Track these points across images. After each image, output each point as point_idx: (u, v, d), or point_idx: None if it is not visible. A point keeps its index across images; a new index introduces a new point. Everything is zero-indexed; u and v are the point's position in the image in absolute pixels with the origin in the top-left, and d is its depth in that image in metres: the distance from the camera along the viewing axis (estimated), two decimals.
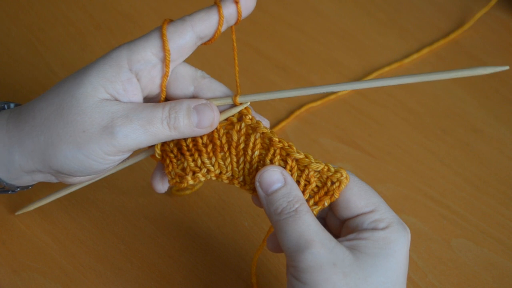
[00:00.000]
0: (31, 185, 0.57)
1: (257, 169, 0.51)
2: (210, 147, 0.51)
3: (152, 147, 0.53)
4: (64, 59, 0.81)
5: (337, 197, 0.49)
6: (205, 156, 0.51)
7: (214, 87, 0.52)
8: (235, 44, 0.52)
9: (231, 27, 0.51)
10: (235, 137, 0.51)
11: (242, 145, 0.51)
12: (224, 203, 0.68)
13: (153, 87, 0.51)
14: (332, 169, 0.49)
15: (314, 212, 0.49)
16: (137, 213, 0.67)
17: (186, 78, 0.51)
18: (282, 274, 0.63)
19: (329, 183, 0.49)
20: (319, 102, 0.77)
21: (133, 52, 0.49)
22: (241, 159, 0.51)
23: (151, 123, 0.48)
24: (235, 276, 0.63)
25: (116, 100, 0.49)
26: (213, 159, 0.51)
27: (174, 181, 0.52)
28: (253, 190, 0.51)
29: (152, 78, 0.50)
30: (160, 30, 0.49)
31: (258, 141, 0.51)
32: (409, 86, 0.79)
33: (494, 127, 0.75)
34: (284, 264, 0.63)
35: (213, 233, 0.66)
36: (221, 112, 0.51)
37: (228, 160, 0.51)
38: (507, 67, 0.44)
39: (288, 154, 0.50)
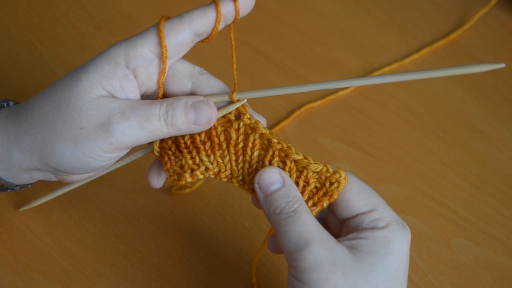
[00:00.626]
0: (30, 184, 0.57)
1: (256, 170, 0.51)
2: (208, 144, 0.51)
3: (151, 144, 0.53)
4: (64, 59, 0.81)
5: (335, 198, 0.49)
6: (203, 153, 0.51)
7: (212, 84, 0.52)
8: (233, 42, 0.52)
9: (230, 25, 0.51)
10: (233, 136, 0.51)
11: (241, 144, 0.51)
12: (224, 203, 0.68)
13: (151, 84, 0.51)
14: (331, 170, 0.49)
15: (313, 213, 0.49)
16: (137, 213, 0.67)
17: (184, 75, 0.51)
18: (282, 274, 0.63)
19: (327, 184, 0.49)
20: (319, 102, 0.77)
21: (130, 49, 0.48)
22: (240, 158, 0.51)
23: (148, 120, 0.48)
24: (235, 276, 0.63)
25: (113, 97, 0.49)
26: (212, 157, 0.51)
27: (172, 178, 0.52)
28: (252, 190, 0.51)
29: (149, 74, 0.50)
30: (157, 26, 0.49)
31: (257, 141, 0.51)
32: (409, 86, 0.79)
33: (494, 127, 0.75)
34: (285, 264, 0.63)
35: (213, 233, 0.66)
36: (218, 109, 0.51)
37: (227, 158, 0.51)
38: (503, 65, 0.44)
39: (287, 155, 0.50)
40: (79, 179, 0.55)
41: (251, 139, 0.51)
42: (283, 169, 0.50)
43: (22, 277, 0.62)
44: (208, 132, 0.51)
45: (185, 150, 0.51)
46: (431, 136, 0.74)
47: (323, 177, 0.49)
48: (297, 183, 0.50)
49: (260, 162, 0.51)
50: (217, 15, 0.49)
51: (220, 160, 0.51)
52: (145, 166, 0.70)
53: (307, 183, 0.49)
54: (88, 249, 0.64)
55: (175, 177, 0.52)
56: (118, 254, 0.64)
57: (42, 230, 0.65)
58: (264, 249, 0.63)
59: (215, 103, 0.51)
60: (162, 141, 0.52)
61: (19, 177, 0.53)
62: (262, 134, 0.50)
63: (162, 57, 0.49)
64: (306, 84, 0.49)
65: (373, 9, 0.88)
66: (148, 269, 0.63)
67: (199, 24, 0.49)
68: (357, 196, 0.48)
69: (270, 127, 0.75)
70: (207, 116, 0.50)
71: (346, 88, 0.79)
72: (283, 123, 0.75)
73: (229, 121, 0.51)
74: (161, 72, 0.50)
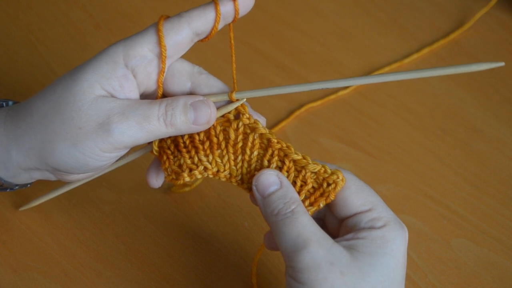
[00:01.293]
0: (30, 183, 0.57)
1: (255, 169, 0.51)
2: (207, 144, 0.51)
3: (151, 143, 0.53)
4: (64, 59, 0.81)
5: (332, 198, 0.49)
6: (201, 153, 0.51)
7: (211, 83, 0.51)
8: (232, 41, 0.51)
9: (229, 24, 0.51)
10: (232, 136, 0.51)
11: (240, 144, 0.51)
12: (224, 203, 0.68)
13: (150, 83, 0.50)
14: (329, 171, 0.49)
15: (310, 212, 0.49)
16: (137, 213, 0.67)
17: (183, 74, 0.51)
18: (282, 274, 0.63)
19: (325, 185, 0.49)
20: (319, 102, 0.77)
21: (129, 48, 0.48)
22: (239, 157, 0.51)
23: (147, 120, 0.48)
24: (235, 276, 0.63)
25: (113, 96, 0.49)
26: (210, 157, 0.51)
27: (171, 177, 0.52)
28: (251, 189, 0.51)
29: (149, 74, 0.50)
30: (156, 26, 0.49)
31: (257, 141, 0.51)
32: (409, 86, 0.79)
33: (494, 127, 0.75)
34: (284, 264, 0.63)
35: (213, 233, 0.66)
36: (217, 108, 0.51)
37: (226, 158, 0.51)
38: (502, 63, 0.44)
39: (286, 155, 0.50)
40: (79, 178, 0.55)
41: (251, 138, 0.50)
42: (282, 168, 0.50)
43: (22, 277, 0.62)
44: (207, 132, 0.51)
45: (184, 150, 0.51)
46: (431, 136, 0.74)
47: (321, 177, 0.49)
48: (294, 183, 0.50)
49: (259, 162, 0.51)
50: (216, 14, 0.48)
51: (218, 160, 0.51)
52: (145, 166, 0.70)
53: (304, 182, 0.50)
54: (88, 249, 0.64)
55: (173, 176, 0.51)
56: (118, 254, 0.64)
57: (42, 230, 0.65)
58: (264, 249, 0.63)
59: (214, 102, 0.51)
60: (161, 140, 0.52)
61: (18, 176, 0.53)
62: (261, 134, 0.50)
63: (161, 56, 0.49)
64: (305, 84, 0.49)
65: (373, 9, 0.88)
66: (148, 269, 0.63)
67: (198, 23, 0.49)
68: (355, 195, 0.48)
69: (270, 127, 0.75)
70: (207, 116, 0.49)
71: (346, 88, 0.79)
72: (283, 123, 0.75)
73: (228, 120, 0.51)
74: (160, 71, 0.50)
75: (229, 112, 0.51)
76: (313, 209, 0.49)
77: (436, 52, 0.83)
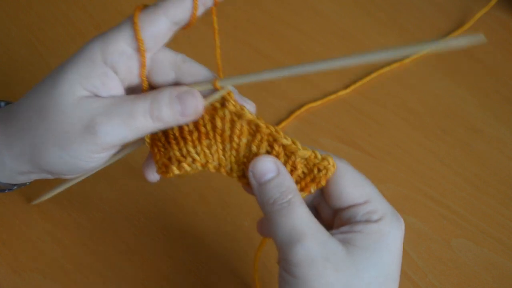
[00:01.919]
0: (28, 182, 0.56)
1: (244, 156, 0.50)
2: (195, 134, 0.49)
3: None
4: (64, 59, 0.80)
5: (323, 184, 0.48)
6: (190, 144, 0.49)
7: (194, 71, 0.49)
8: (215, 25, 0.49)
9: (211, 8, 0.48)
10: (219, 124, 0.49)
11: (228, 132, 0.49)
12: (224, 203, 0.68)
13: (132, 78, 0.48)
14: (319, 157, 0.47)
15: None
16: (137, 213, 0.67)
17: (166, 64, 0.49)
18: None
19: (315, 171, 0.48)
20: (319, 102, 0.77)
21: (106, 44, 0.46)
22: (227, 146, 0.49)
23: (133, 117, 0.46)
24: (235, 276, 0.63)
25: (96, 95, 0.47)
26: (198, 147, 0.49)
27: (161, 170, 0.50)
28: (240, 177, 0.50)
29: (130, 68, 0.47)
30: (131, 19, 0.46)
31: (245, 128, 0.49)
32: (409, 86, 0.79)
33: (494, 127, 0.75)
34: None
35: (213, 233, 0.66)
36: (204, 97, 0.49)
37: (214, 148, 0.49)
38: (481, 36, 0.39)
39: (275, 140, 0.48)
40: (77, 176, 0.54)
41: (238, 126, 0.49)
42: (270, 153, 0.48)
43: (22, 277, 0.62)
44: (195, 122, 0.49)
45: (174, 141, 0.49)
46: (431, 136, 0.74)
47: (311, 163, 0.48)
48: None
49: (248, 148, 0.49)
50: (193, 0, 0.46)
51: (207, 151, 0.49)
52: None
53: (294, 168, 0.48)
54: (88, 249, 0.64)
55: (163, 169, 0.50)
56: (118, 254, 0.64)
57: (42, 230, 0.65)
58: (264, 248, 0.63)
59: (200, 92, 0.49)
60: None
61: (15, 178, 0.52)
62: (249, 120, 0.48)
63: (139, 50, 0.46)
64: (287, 67, 0.47)
65: (373, 9, 0.88)
66: (148, 269, 0.63)
67: (176, 12, 0.46)
68: (351, 188, 0.47)
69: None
70: (193, 106, 0.47)
71: (346, 88, 0.79)
72: (283, 123, 0.75)
73: (215, 108, 0.49)
74: (142, 65, 0.47)
75: (216, 101, 0.49)
76: (304, 194, 0.48)
77: (436, 52, 0.83)
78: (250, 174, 0.48)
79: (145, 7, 0.47)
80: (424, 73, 0.82)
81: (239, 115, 0.49)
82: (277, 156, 0.48)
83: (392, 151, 0.73)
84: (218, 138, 0.49)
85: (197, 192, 0.69)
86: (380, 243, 0.45)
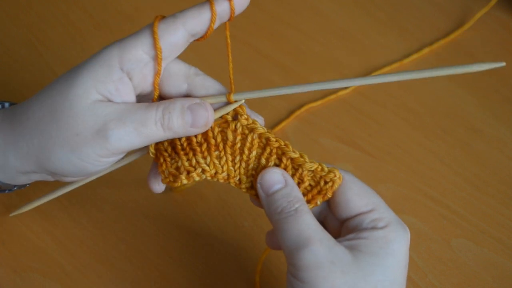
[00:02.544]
0: (28, 184, 0.57)
1: (253, 168, 0.51)
2: (204, 146, 0.50)
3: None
4: (64, 59, 0.81)
5: (329, 196, 0.49)
6: (199, 155, 0.50)
7: (207, 85, 0.51)
8: (229, 40, 0.51)
9: (225, 23, 0.50)
10: (230, 137, 0.50)
11: (238, 145, 0.51)
12: (224, 203, 0.68)
13: (146, 86, 0.50)
14: (326, 169, 0.49)
15: None
16: (137, 213, 0.67)
17: (179, 76, 0.50)
18: (283, 275, 0.63)
19: (322, 183, 0.49)
20: (319, 102, 0.77)
21: (124, 51, 0.47)
22: (237, 158, 0.51)
23: (144, 125, 0.47)
24: (235, 276, 0.63)
25: (109, 100, 0.48)
26: (208, 159, 0.50)
27: (168, 180, 0.51)
28: (248, 189, 0.51)
29: (144, 76, 0.49)
30: (151, 27, 0.48)
31: (256, 141, 0.50)
32: (409, 86, 0.79)
33: (494, 127, 0.75)
34: (286, 265, 0.63)
35: (213, 233, 0.66)
36: (215, 110, 0.51)
37: (224, 159, 0.51)
38: (503, 63, 0.43)
39: (283, 153, 0.50)
40: (77, 179, 0.55)
41: (249, 139, 0.50)
42: (279, 166, 0.50)
43: (22, 277, 0.62)
44: (205, 134, 0.50)
45: (182, 152, 0.50)
46: (431, 136, 0.74)
47: (318, 175, 0.49)
48: None
49: (257, 160, 0.51)
50: (212, 14, 0.47)
51: (216, 162, 0.51)
52: (144, 166, 0.70)
53: (301, 180, 0.50)
54: (88, 249, 0.64)
55: (171, 178, 0.51)
56: (118, 254, 0.64)
57: (42, 230, 0.65)
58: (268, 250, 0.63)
59: (211, 104, 0.50)
60: (158, 142, 0.52)
61: (16, 178, 0.52)
62: (260, 133, 0.50)
63: (157, 59, 0.48)
64: (304, 84, 0.49)
65: (373, 9, 0.88)
66: (148, 269, 0.63)
67: (194, 24, 0.48)
68: (357, 196, 0.48)
69: (270, 127, 0.75)
70: (204, 118, 0.49)
71: (346, 88, 0.79)
72: (283, 123, 0.75)
73: (226, 122, 0.51)
74: (156, 74, 0.49)
75: (227, 114, 0.51)
76: (311, 206, 0.50)
77: (436, 52, 0.83)
78: (258, 186, 0.50)
79: (163, 17, 0.48)
80: None
81: (251, 128, 0.50)
82: (285, 169, 0.50)
83: (392, 151, 0.73)
84: (228, 150, 0.51)
85: (197, 192, 0.69)
86: (386, 249, 0.45)
